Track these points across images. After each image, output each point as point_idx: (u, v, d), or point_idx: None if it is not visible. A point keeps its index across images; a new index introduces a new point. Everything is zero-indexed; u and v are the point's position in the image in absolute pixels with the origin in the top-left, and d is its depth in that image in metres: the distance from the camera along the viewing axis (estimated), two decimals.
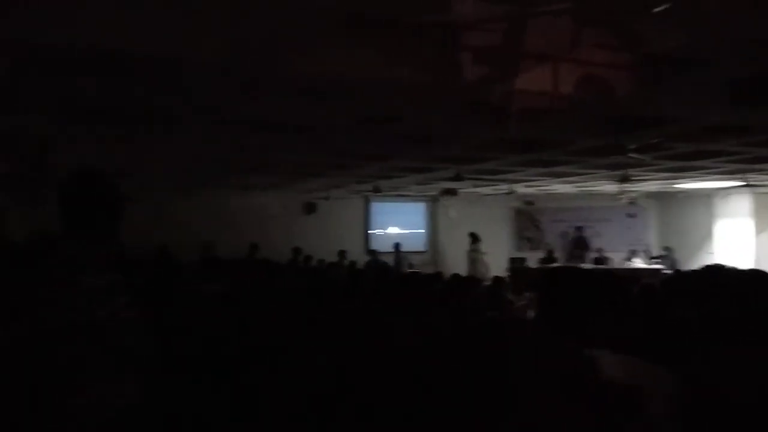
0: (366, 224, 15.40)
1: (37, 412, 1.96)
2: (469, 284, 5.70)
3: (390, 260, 13.58)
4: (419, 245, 15.85)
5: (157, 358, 2.29)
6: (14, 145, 6.32)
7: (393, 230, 15.66)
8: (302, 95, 4.29)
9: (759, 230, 13.64)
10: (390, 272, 6.71)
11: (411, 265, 13.42)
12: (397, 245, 14.34)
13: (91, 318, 1.89)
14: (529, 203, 15.86)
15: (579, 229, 14.67)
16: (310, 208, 14.39)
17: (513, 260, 14.67)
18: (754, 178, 10.48)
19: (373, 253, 13.83)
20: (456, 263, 13.49)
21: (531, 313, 6.23)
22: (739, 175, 10.14)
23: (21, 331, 2.00)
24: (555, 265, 12.43)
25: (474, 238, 13.79)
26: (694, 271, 2.15)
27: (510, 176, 10.28)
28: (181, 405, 2.12)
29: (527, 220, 16.39)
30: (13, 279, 2.19)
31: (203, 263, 8.33)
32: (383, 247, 14.33)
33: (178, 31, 2.97)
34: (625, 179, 9.82)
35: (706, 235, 14.41)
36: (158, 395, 2.19)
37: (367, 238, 15.23)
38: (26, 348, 1.98)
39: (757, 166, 8.84)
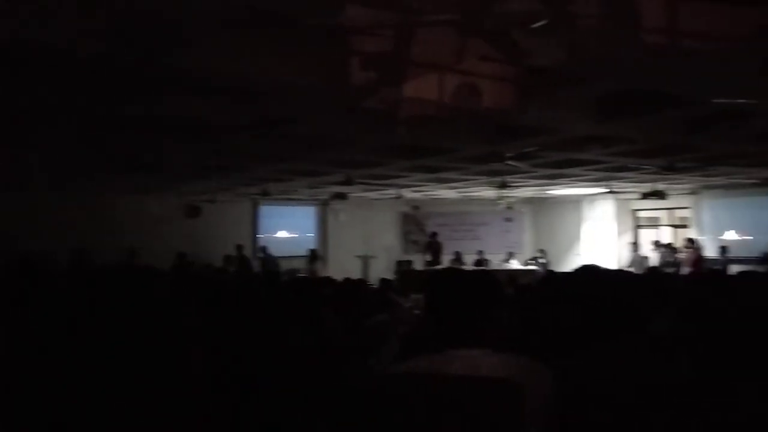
0: (254, 228, 15.05)
1: None
2: (359, 288, 5.73)
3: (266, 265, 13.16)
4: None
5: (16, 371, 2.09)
6: None
7: (282, 234, 15.42)
8: (189, 93, 4.11)
9: (620, 232, 14.99)
10: (279, 278, 6.59)
11: (278, 268, 12.84)
12: (264, 249, 13.96)
13: None
14: (416, 208, 16.35)
15: (433, 234, 15.34)
16: (193, 212, 13.78)
17: (400, 263, 15.08)
18: (616, 185, 11.51)
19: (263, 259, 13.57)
20: (344, 266, 13.53)
21: (417, 314, 6.38)
22: (603, 183, 11.09)
23: None
24: (439, 267, 12.85)
25: (313, 254, 14.74)
26: (570, 272, 2.31)
27: (398, 181, 10.52)
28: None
29: (414, 224, 16.84)
30: None
31: (74, 271, 7.70)
32: (273, 251, 14.04)
33: (47, 18, 2.73)
34: (503, 185, 10.39)
35: (575, 238, 15.60)
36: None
37: (255, 242, 14.88)
38: None
39: (618, 175, 9.70)
